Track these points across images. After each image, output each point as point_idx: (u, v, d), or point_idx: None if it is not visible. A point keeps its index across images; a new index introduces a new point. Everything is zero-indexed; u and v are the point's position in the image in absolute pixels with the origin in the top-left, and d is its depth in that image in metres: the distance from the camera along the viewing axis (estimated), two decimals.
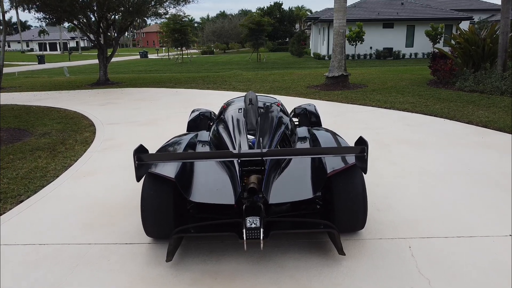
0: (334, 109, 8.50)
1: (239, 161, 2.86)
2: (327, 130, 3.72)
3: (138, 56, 45.94)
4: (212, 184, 2.81)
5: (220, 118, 3.84)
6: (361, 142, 2.54)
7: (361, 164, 2.52)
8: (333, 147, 3.02)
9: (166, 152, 3.12)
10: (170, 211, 2.79)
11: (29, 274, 2.70)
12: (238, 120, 3.56)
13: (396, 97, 9.45)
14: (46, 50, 73.55)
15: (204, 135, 3.94)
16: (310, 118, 4.88)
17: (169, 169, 2.79)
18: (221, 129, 3.54)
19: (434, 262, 2.67)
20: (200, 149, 3.55)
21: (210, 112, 5.00)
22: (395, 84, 11.86)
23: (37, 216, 3.61)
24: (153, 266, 2.73)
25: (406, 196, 3.79)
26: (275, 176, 2.84)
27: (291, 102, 9.16)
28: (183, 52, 36.81)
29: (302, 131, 3.93)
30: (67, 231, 3.29)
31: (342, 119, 7.41)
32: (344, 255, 2.67)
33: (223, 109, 4.07)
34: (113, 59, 18.60)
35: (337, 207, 2.80)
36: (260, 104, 3.91)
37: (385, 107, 8.40)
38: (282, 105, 4.17)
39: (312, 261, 2.72)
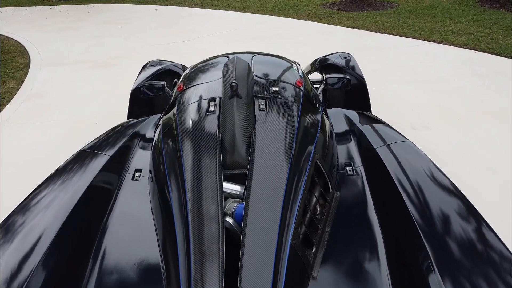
0: (362, 44, 6.17)
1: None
2: (402, 139, 1.68)
3: None
4: None
5: (167, 123, 1.71)
6: None
7: None
8: None
9: None
10: None
11: None
12: (204, 139, 1.46)
13: (444, 24, 7.02)
14: None
15: (150, 133, 1.91)
16: (346, 86, 2.72)
17: None
18: (166, 157, 1.48)
19: None
20: (128, 179, 1.57)
21: (173, 73, 2.82)
22: (435, 3, 9.23)
23: None
24: None
25: None
26: None
27: (303, 33, 6.79)
28: None
29: (336, 121, 1.91)
30: None
31: (376, 62, 5.16)
32: None
33: (178, 95, 1.89)
34: None
35: None
36: (257, 89, 1.73)
37: (433, 41, 6.07)
38: (304, 77, 2.00)
39: None
